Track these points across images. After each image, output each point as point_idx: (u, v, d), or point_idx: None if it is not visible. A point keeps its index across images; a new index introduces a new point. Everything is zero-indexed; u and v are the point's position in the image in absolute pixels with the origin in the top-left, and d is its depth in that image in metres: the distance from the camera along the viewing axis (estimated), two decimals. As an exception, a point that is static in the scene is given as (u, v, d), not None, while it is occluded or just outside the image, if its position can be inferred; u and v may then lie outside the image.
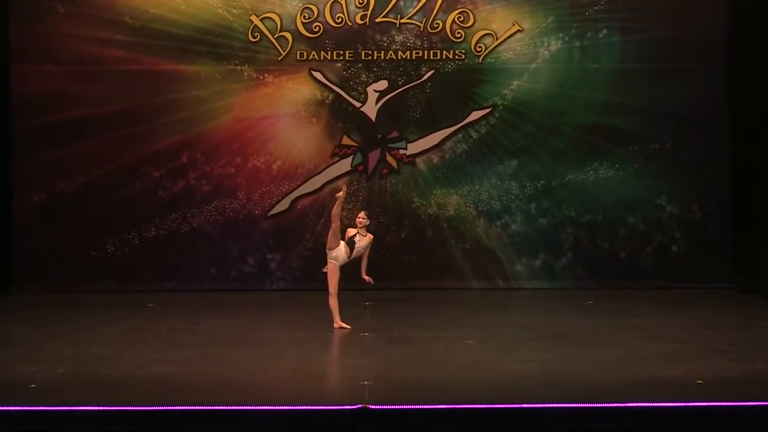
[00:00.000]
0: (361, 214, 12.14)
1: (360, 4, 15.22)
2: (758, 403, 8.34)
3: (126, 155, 15.08)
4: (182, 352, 10.69)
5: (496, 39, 15.24)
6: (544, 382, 9.33)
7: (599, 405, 8.33)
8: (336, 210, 11.87)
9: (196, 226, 15.22)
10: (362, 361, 10.27)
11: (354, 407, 8.22)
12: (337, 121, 15.29)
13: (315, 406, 8.35)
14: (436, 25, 15.22)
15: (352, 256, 11.96)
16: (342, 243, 11.94)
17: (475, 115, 15.31)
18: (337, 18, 15.19)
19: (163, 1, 15.04)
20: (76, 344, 11.17)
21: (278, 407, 8.34)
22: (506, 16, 15.24)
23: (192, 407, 8.30)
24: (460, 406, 8.29)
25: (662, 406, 8.28)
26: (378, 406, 8.24)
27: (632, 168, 15.25)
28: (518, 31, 15.23)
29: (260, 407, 8.34)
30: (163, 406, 8.34)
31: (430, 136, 15.33)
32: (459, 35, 15.22)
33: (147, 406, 8.34)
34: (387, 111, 15.28)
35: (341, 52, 15.24)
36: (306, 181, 15.28)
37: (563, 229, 15.34)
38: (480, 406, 8.29)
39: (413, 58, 15.27)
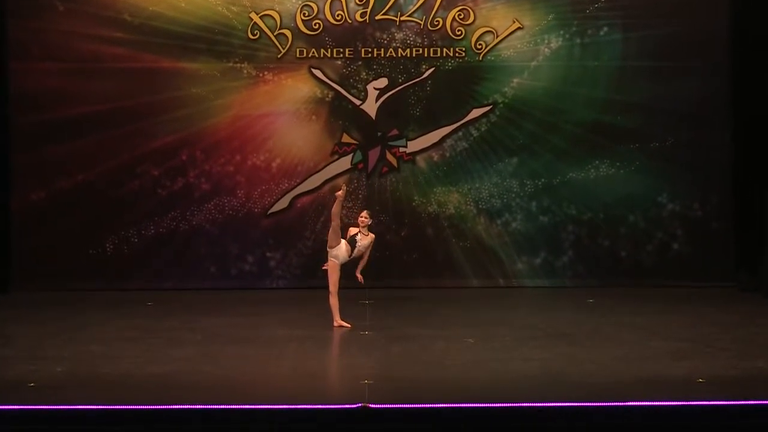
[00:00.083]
0: (364, 214, 12.13)
1: (360, 1, 15.18)
2: (760, 402, 8.32)
3: (125, 153, 15.06)
4: (181, 351, 10.66)
5: (497, 36, 15.20)
6: (544, 380, 9.32)
7: (600, 404, 8.32)
8: (336, 208, 11.85)
9: (195, 224, 15.19)
10: (362, 360, 10.25)
11: (354, 406, 8.19)
12: (337, 119, 15.26)
13: (315, 405, 8.32)
14: (436, 23, 15.18)
15: (353, 255, 11.94)
16: (343, 241, 11.91)
17: (476, 112, 15.28)
18: (337, 15, 15.15)
19: (163, -1, 15.06)
20: (75, 343, 11.16)
21: (278, 406, 8.31)
22: (507, 14, 15.20)
23: (191, 406, 8.28)
24: (460, 405, 8.26)
25: (663, 405, 8.26)
26: (378, 405, 8.22)
27: (633, 166, 15.21)
28: (519, 28, 15.19)
29: (260, 406, 8.31)
30: (162, 404, 8.33)
31: (430, 134, 15.30)
32: (459, 33, 15.19)
33: (146, 405, 8.32)
34: (387, 109, 15.24)
35: (341, 50, 15.20)
36: (306, 179, 15.25)
37: (564, 228, 15.30)
38: (480, 405, 8.26)
39: (413, 55, 15.23)
